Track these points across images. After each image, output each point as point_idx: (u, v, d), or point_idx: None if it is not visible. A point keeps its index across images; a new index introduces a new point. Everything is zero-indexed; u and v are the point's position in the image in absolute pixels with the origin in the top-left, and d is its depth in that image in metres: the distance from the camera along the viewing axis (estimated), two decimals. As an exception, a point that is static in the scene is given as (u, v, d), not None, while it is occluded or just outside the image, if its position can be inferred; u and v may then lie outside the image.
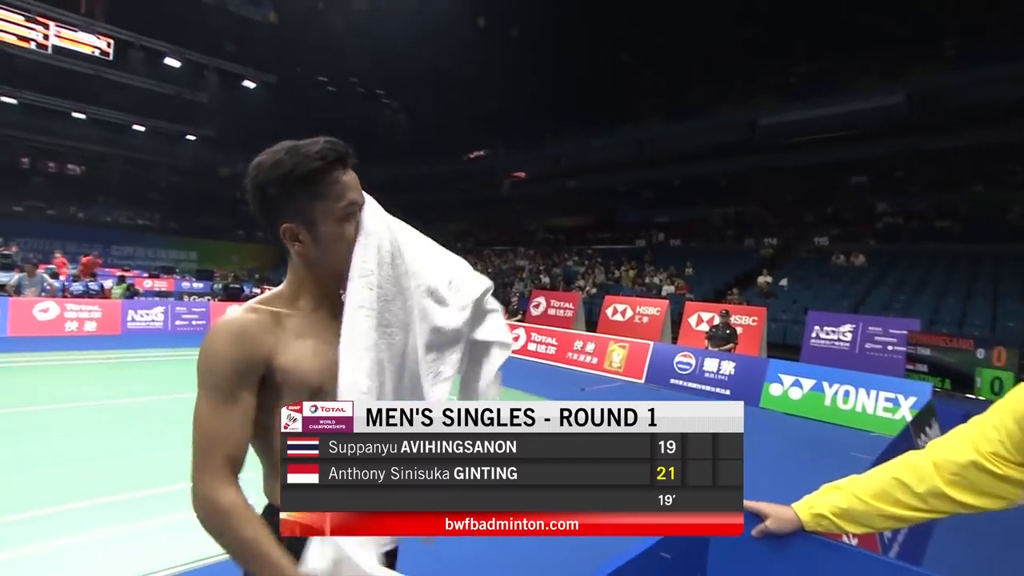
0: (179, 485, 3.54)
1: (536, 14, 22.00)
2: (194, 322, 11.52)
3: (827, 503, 1.09)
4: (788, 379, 7.54)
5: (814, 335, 9.91)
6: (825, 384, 7.15)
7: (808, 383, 7.31)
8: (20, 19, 22.52)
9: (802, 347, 10.00)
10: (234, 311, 0.98)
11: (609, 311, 11.85)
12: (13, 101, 25.89)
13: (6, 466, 3.79)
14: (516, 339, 11.61)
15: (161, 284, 17.74)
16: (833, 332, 9.72)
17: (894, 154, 18.45)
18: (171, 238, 31.12)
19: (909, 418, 6.08)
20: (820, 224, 18.20)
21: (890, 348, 8.58)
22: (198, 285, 18.93)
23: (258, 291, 16.05)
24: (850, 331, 9.51)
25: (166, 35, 24.67)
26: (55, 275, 12.90)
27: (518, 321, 12.35)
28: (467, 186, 34.13)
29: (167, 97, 27.51)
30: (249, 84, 27.65)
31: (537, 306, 12.78)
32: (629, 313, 11.56)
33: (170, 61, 25.54)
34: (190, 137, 31.11)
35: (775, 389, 7.62)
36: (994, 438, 0.97)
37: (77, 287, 11.47)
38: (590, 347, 10.28)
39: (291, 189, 0.95)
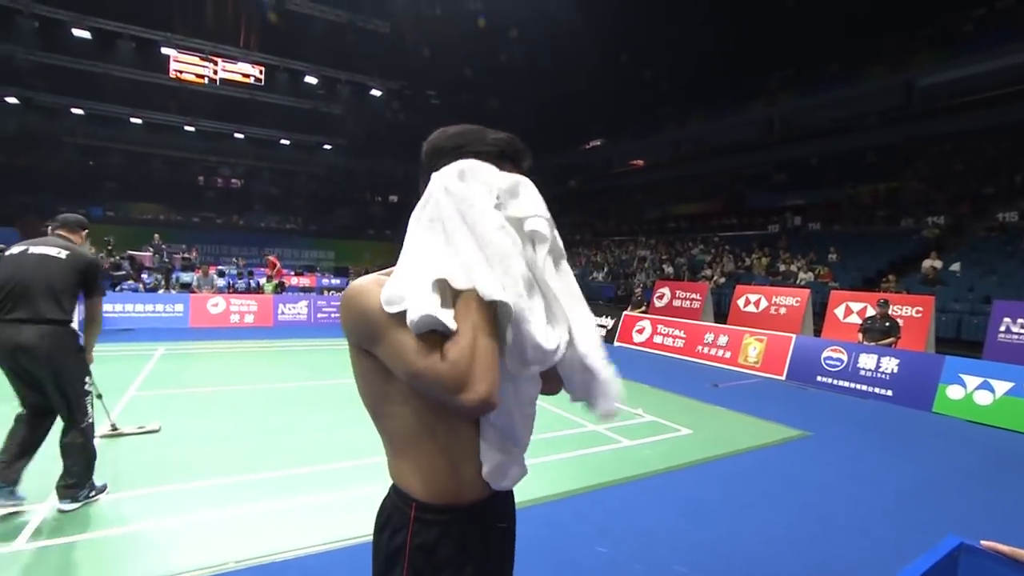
0: (317, 467, 3.74)
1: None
2: (333, 315, 12.54)
3: None
4: (973, 380, 6.36)
5: (1003, 328, 8.31)
6: (1027, 387, 5.91)
7: (1003, 386, 6.08)
8: (196, 59, 26.18)
9: (985, 343, 8.44)
10: (365, 279, 0.98)
11: (741, 301, 10.93)
12: (192, 129, 30.34)
13: (180, 439, 4.29)
14: (641, 331, 11.15)
15: (304, 281, 19.60)
16: (1029, 325, 8.08)
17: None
18: (312, 239, 34.43)
19: None
20: (1005, 197, 15.34)
21: (1117, 345, 6.92)
22: (335, 281, 20.65)
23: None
24: (1054, 324, 7.84)
25: (304, 55, 27.18)
26: (248, 274, 14.83)
27: (642, 312, 11.86)
28: (584, 176, 33.73)
29: (306, 111, 30.38)
30: (375, 92, 29.53)
31: (661, 297, 12.17)
32: (764, 304, 10.57)
33: (309, 79, 28.07)
34: (326, 146, 34.13)
35: (954, 392, 6.48)
36: None
37: (240, 284, 13.02)
38: (722, 340, 9.55)
39: (453, 160, 0.99)
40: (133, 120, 28.96)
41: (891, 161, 19.90)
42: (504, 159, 1.00)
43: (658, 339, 10.67)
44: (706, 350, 9.71)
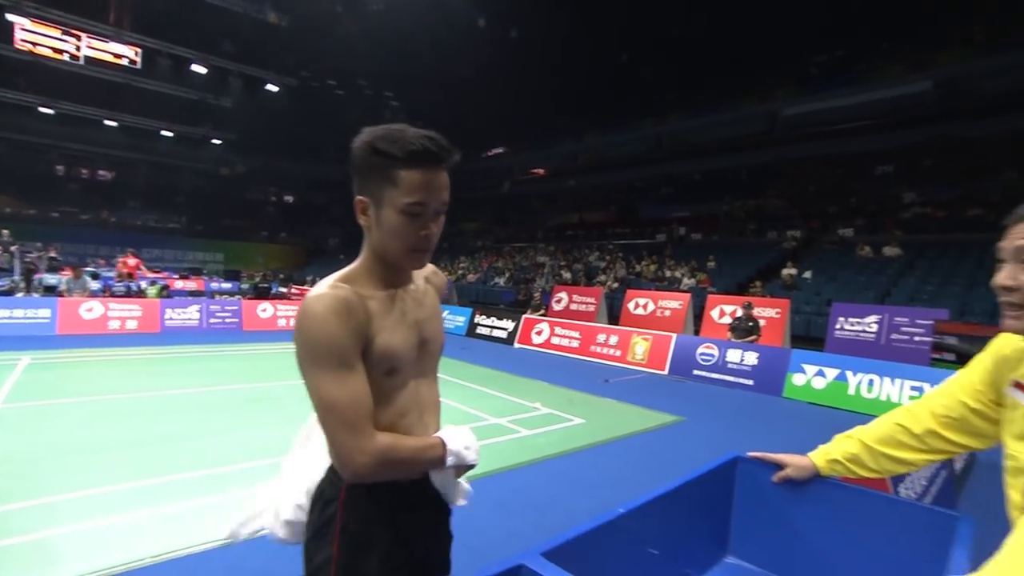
0: (222, 469, 3.76)
1: (553, 10, 22.03)
2: (227, 320, 11.92)
3: (840, 450, 1.23)
4: (811, 369, 7.56)
5: (838, 326, 9.84)
6: (849, 373, 7.16)
7: (832, 373, 7.32)
8: (56, 32, 23.33)
9: (826, 338, 9.95)
10: (323, 289, 0.99)
11: (631, 305, 11.91)
12: (50, 111, 26.96)
13: (62, 450, 4.08)
14: (540, 333, 11.76)
15: (191, 285, 18.31)
16: (858, 323, 9.64)
17: (921, 143, 18.14)
18: (197, 240, 31.95)
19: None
20: (844, 215, 17.94)
21: (916, 339, 8.52)
22: (226, 285, 19.50)
23: (284, 290, 16.47)
24: (875, 322, 9.42)
25: (192, 43, 25.32)
26: (122, 276, 13.20)
27: (541, 315, 12.50)
28: (485, 183, 34.37)
29: (193, 102, 28.27)
30: (271, 88, 28.20)
31: (559, 301, 12.90)
32: (651, 307, 11.61)
33: (196, 67, 26.18)
34: (215, 141, 31.90)
35: (798, 379, 7.65)
36: (975, 379, 1.10)
37: (119, 287, 11.98)
38: (613, 340, 10.37)
39: (373, 166, 0.99)
40: (-35, 94, 25.16)
41: (760, 180, 22.47)
42: (420, 160, 0.98)
43: (555, 340, 11.33)
44: (599, 349, 10.49)
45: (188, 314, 11.45)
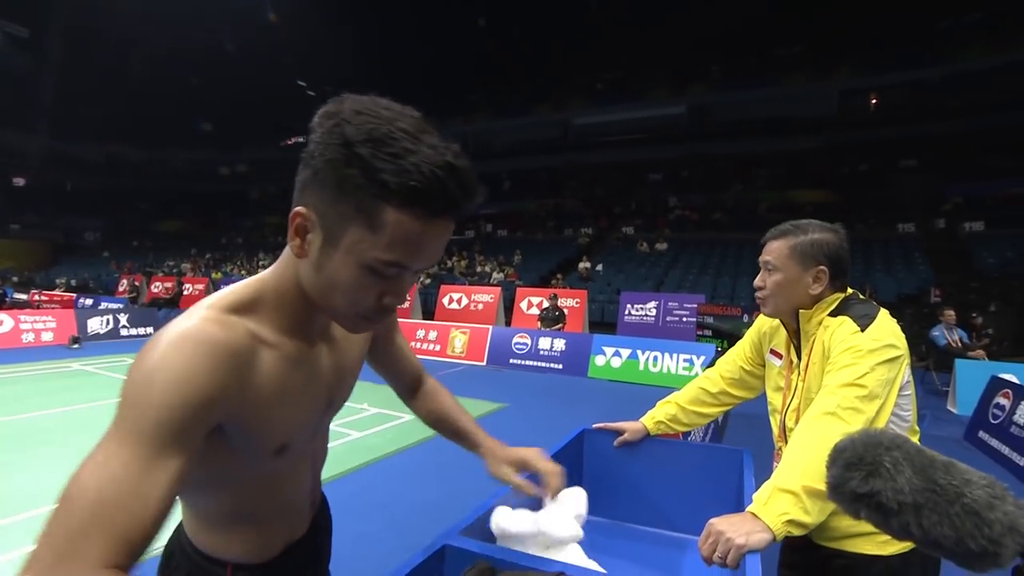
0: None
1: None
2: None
3: (663, 413, 1.56)
4: (610, 351, 8.62)
5: (626, 312, 11.41)
6: (639, 352, 8.34)
7: (625, 352, 8.45)
8: None
9: (617, 323, 11.44)
10: (194, 322, 0.63)
11: (445, 300, 12.19)
12: None
13: None
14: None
15: None
16: (641, 308, 11.30)
17: (680, 157, 21.76)
18: None
19: (701, 372, 7.49)
20: (626, 215, 20.71)
21: (684, 319, 10.29)
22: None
23: (24, 297, 13.21)
24: (654, 307, 11.15)
25: None
26: None
27: (356, 315, 12.05)
28: (287, 175, 31.72)
29: None
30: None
31: (374, 299, 12.59)
32: (464, 301, 12.04)
33: None
34: None
35: (599, 360, 8.66)
36: (746, 348, 1.53)
37: None
38: (432, 335, 10.49)
39: (343, 179, 0.61)
40: None
41: (557, 182, 24.67)
42: (431, 212, 0.62)
43: (375, 339, 11.06)
44: (419, 345, 10.52)
45: None
